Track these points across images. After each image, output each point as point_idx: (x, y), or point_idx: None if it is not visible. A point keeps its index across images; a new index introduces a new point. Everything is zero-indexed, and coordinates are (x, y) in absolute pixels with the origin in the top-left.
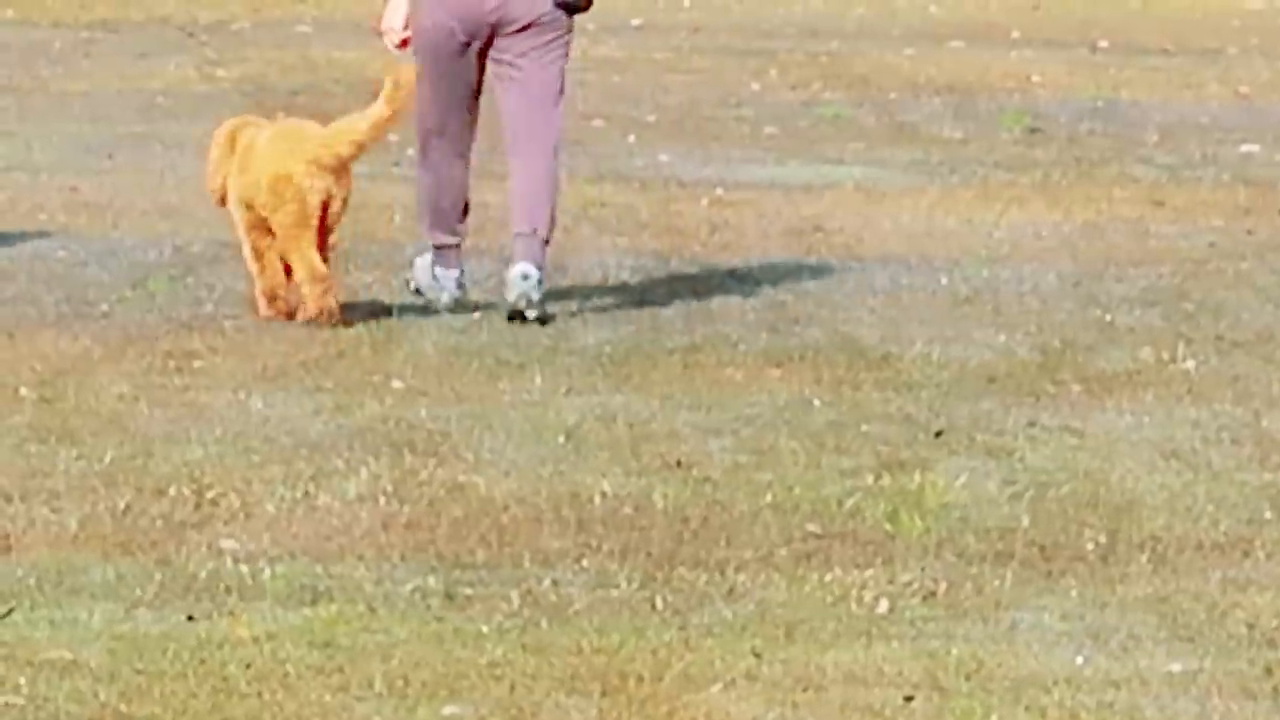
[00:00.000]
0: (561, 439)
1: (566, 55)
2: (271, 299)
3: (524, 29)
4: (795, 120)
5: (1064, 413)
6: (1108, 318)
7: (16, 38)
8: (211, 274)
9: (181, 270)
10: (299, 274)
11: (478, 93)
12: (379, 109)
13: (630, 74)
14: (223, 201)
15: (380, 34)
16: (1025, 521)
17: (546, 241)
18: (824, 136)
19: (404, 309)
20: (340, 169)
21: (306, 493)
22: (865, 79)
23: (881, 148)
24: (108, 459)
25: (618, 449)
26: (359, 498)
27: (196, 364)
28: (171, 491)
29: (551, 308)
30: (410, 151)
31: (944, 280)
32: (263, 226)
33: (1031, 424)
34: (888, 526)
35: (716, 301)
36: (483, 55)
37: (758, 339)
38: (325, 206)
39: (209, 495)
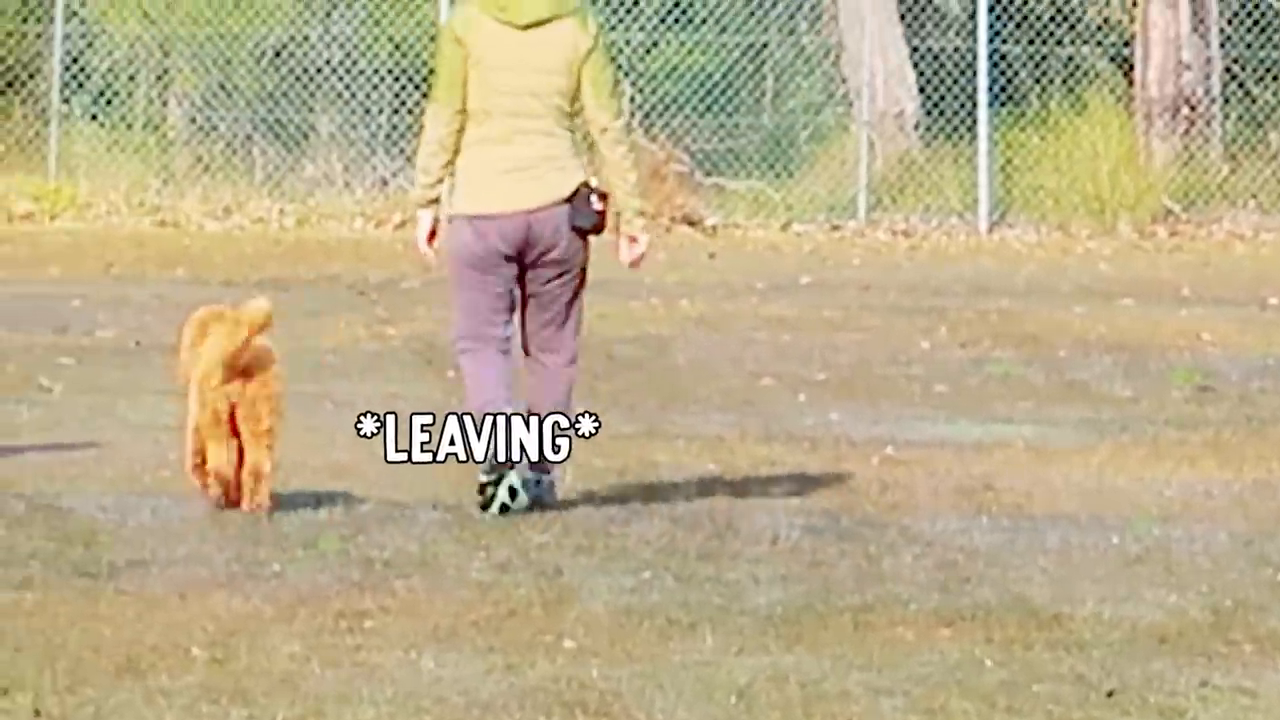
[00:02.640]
0: (733, 699)
1: (583, 282)
2: (223, 502)
3: (546, 254)
4: (965, 378)
5: (1236, 673)
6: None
7: (188, 296)
8: (382, 533)
9: (352, 529)
10: (209, 465)
11: (512, 304)
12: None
13: (800, 332)
14: (187, 384)
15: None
16: None
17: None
18: (994, 394)
19: (575, 569)
20: (244, 372)
21: None
22: (1035, 337)
23: (1051, 406)
24: None
25: (789, 709)
26: None
27: (368, 624)
28: None
29: (723, 567)
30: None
31: (1115, 539)
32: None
33: (1204, 684)
34: None
35: (887, 561)
36: (518, 267)
37: (929, 598)
38: (234, 408)
39: None
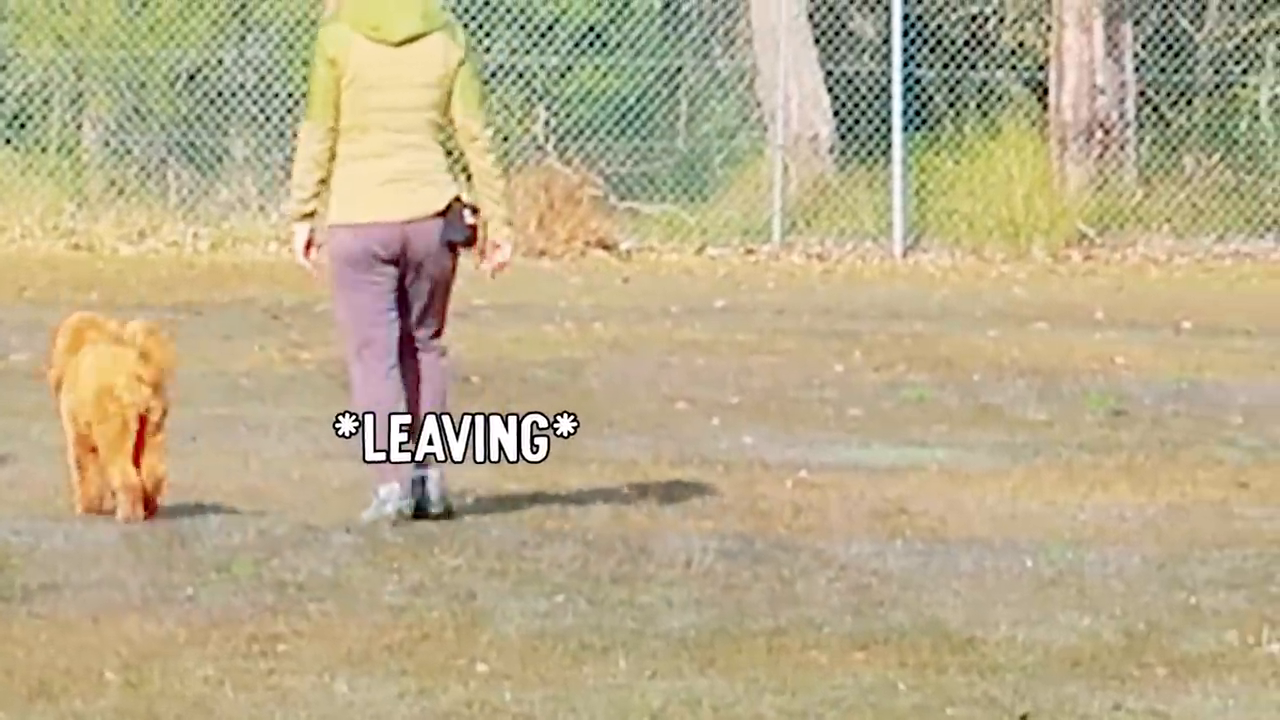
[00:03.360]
0: None
1: (449, 289)
2: (92, 508)
3: (421, 268)
4: (879, 402)
5: (1149, 696)
6: (1192, 600)
7: None
8: (296, 557)
9: (265, 553)
10: (115, 482)
11: (395, 304)
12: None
13: (714, 356)
14: (58, 388)
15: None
16: None
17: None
18: (908, 418)
19: (488, 593)
20: (157, 385)
21: None
22: (949, 360)
23: (965, 429)
24: None
25: None
26: None
27: (281, 647)
28: None
29: (636, 591)
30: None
31: (1029, 563)
32: (87, 442)
33: (1117, 707)
34: None
35: (801, 584)
36: (397, 268)
37: (842, 622)
38: (143, 419)
39: None
